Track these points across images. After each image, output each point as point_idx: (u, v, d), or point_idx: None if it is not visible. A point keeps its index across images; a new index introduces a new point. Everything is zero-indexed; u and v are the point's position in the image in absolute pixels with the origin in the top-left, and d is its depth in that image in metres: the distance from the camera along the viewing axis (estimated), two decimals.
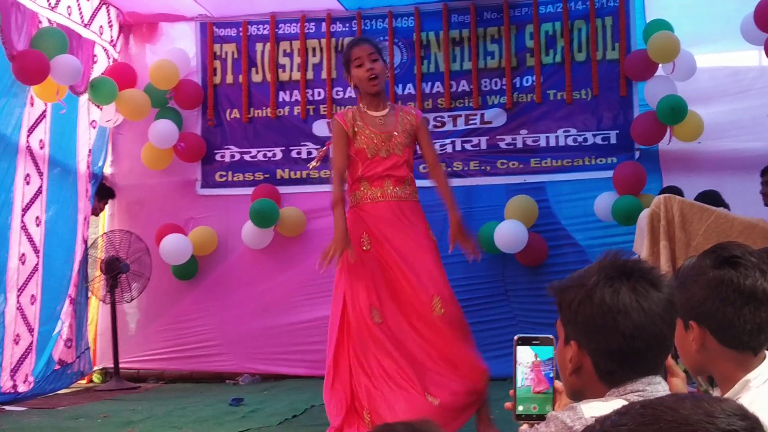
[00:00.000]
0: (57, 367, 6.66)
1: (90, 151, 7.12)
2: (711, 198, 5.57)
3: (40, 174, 6.44)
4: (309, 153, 7.32)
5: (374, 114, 4.70)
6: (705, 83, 6.86)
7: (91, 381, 7.32)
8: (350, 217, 4.63)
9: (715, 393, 2.09)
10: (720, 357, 2.02)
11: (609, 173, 6.80)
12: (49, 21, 6.35)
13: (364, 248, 4.57)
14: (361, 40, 5.12)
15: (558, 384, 1.91)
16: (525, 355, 1.91)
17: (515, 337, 1.92)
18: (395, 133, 4.66)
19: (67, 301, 6.80)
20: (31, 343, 6.34)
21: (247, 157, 7.44)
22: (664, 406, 0.89)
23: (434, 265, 4.58)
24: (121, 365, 7.03)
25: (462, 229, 4.69)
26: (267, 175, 7.34)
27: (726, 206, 5.57)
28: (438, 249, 4.66)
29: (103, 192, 7.37)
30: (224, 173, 7.45)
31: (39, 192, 6.43)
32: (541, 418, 1.82)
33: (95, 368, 7.36)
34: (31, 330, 6.32)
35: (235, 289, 7.28)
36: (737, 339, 1.99)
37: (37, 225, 6.41)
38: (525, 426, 1.94)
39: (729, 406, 0.89)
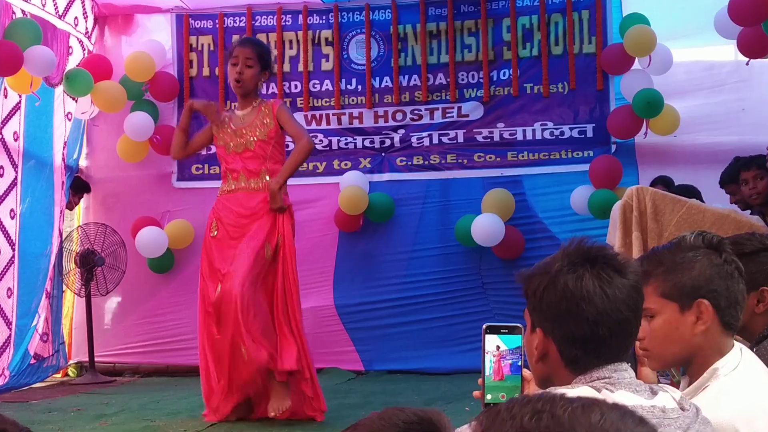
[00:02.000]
0: (33, 361, 6.60)
1: (65, 143, 7.06)
2: (687, 191, 5.57)
3: (15, 166, 6.38)
4: (286, 146, 7.28)
5: (239, 113, 5.11)
6: (681, 77, 6.90)
7: (66, 375, 7.28)
8: (213, 205, 5.13)
9: (683, 382, 2.08)
10: (718, 338, 2.01)
11: (585, 167, 6.82)
12: (23, 12, 6.28)
13: (212, 234, 5.01)
14: (247, 41, 5.42)
15: (526, 372, 1.91)
16: (493, 344, 1.91)
17: (483, 326, 1.92)
18: (248, 130, 5.02)
19: (44, 295, 6.75)
20: (9, 336, 6.28)
21: None
22: (566, 400, 0.83)
23: (246, 256, 4.82)
24: (96, 359, 6.99)
25: (270, 198, 4.93)
26: None
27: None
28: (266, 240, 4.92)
29: (78, 186, 7.31)
30: (200, 166, 7.41)
31: (14, 184, 6.37)
32: None
33: (70, 362, 7.32)
34: (8, 324, 6.26)
35: None
36: (736, 317, 2.02)
37: (12, 218, 6.35)
38: None
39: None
